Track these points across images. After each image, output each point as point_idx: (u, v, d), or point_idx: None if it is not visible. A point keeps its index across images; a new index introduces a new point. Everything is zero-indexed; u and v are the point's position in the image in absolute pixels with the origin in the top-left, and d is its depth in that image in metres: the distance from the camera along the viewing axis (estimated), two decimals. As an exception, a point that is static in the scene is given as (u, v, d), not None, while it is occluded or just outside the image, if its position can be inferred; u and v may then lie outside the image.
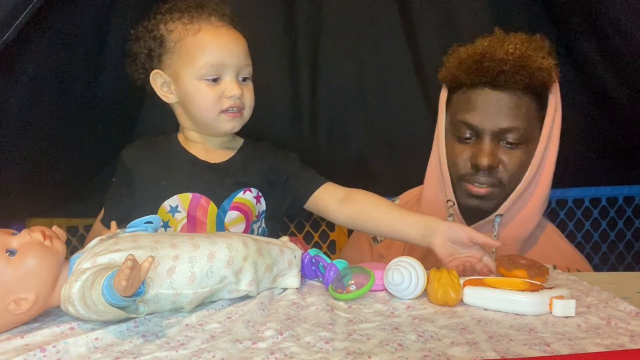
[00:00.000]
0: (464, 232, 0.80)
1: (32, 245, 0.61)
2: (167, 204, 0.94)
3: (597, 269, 1.47)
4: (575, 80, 1.32)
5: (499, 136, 0.93)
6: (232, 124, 0.96)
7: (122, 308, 0.57)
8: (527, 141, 0.95)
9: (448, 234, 0.81)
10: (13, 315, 0.60)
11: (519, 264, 0.75)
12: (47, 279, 0.62)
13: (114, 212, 0.97)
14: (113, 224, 0.78)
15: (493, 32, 0.99)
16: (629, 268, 1.47)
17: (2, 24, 0.81)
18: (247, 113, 0.98)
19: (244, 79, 0.97)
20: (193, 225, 0.96)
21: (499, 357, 0.52)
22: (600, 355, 0.52)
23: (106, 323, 0.61)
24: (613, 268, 1.48)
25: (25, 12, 0.83)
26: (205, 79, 0.93)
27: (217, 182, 0.96)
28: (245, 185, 0.97)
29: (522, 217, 0.98)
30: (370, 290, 0.75)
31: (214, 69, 0.92)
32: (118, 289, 0.54)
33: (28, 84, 1.05)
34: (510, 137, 0.93)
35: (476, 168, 0.94)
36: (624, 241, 1.48)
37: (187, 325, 0.63)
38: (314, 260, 0.79)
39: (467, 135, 0.96)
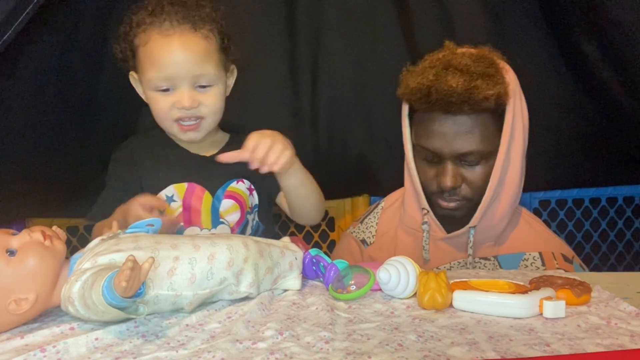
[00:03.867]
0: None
1: (32, 245, 0.61)
2: (163, 193, 0.97)
3: (597, 269, 1.47)
4: (575, 81, 1.32)
5: (459, 158, 0.95)
6: (189, 136, 0.97)
7: (121, 309, 0.57)
8: (488, 157, 0.96)
9: None
10: (13, 316, 0.60)
11: (557, 284, 0.71)
12: (47, 279, 0.62)
13: (110, 208, 0.94)
14: (114, 223, 0.78)
15: (443, 45, 1.00)
16: (629, 268, 1.47)
17: (3, 24, 0.81)
18: (210, 120, 0.98)
19: (203, 86, 0.95)
20: (188, 213, 0.97)
21: (499, 357, 0.52)
22: (600, 355, 0.52)
23: (106, 323, 0.61)
24: (613, 268, 1.48)
25: (26, 12, 0.83)
26: (156, 90, 0.93)
27: (210, 172, 0.99)
28: (237, 175, 1.00)
29: (494, 220, 1.00)
30: (372, 290, 0.75)
31: (164, 81, 0.92)
32: (118, 289, 0.54)
33: (28, 84, 1.05)
34: (470, 159, 0.95)
35: (441, 188, 0.97)
36: (624, 241, 1.48)
37: (187, 325, 0.63)
38: (314, 260, 0.79)
39: (430, 157, 0.98)
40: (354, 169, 1.47)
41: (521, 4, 1.29)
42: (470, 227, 0.99)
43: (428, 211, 1.02)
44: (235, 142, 1.03)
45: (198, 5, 0.95)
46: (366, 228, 1.17)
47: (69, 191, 1.31)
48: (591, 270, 1.37)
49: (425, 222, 1.02)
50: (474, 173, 0.96)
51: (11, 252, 0.61)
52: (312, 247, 1.49)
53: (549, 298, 0.65)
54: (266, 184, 1.03)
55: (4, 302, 0.59)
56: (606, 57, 1.18)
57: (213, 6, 0.97)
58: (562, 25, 1.27)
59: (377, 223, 1.15)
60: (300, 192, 0.97)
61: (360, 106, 1.41)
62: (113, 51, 1.00)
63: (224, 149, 1.02)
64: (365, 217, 1.19)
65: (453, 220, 1.01)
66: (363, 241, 1.15)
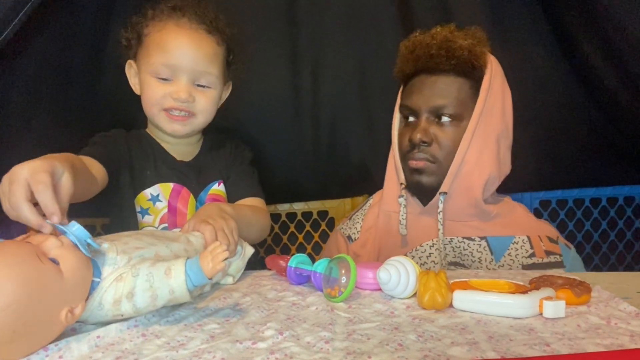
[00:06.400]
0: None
1: (72, 251, 0.58)
2: (149, 192, 0.98)
3: (597, 269, 1.47)
4: (575, 80, 1.32)
5: (433, 113, 1.01)
6: (173, 126, 0.97)
7: (192, 291, 0.61)
8: (461, 119, 1.00)
9: None
10: (63, 327, 0.57)
11: (557, 284, 0.71)
12: (87, 285, 0.59)
13: (103, 152, 0.93)
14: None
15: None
16: (629, 268, 1.47)
17: (2, 22, 0.81)
18: (200, 119, 0.99)
19: (202, 86, 0.97)
20: (174, 214, 0.98)
21: (499, 357, 0.52)
22: (600, 355, 0.52)
23: (107, 322, 0.61)
24: (613, 268, 1.48)
25: (24, 11, 0.83)
26: (156, 77, 0.94)
27: (193, 177, 1.02)
28: (217, 178, 1.04)
29: (467, 196, 1.02)
30: (370, 290, 0.75)
31: (166, 68, 0.93)
32: (216, 269, 0.58)
33: (28, 83, 1.05)
34: (442, 113, 1.00)
35: (412, 144, 1.01)
36: (624, 241, 1.48)
37: (185, 325, 0.63)
38: (297, 272, 0.79)
39: (410, 118, 1.05)
40: (354, 169, 1.47)
41: (521, 3, 1.30)
42: (440, 193, 1.01)
43: (405, 185, 1.05)
44: (211, 143, 1.08)
45: (216, 17, 0.99)
46: (352, 224, 1.18)
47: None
48: (591, 270, 1.37)
49: (402, 196, 1.05)
50: (444, 132, 1.00)
51: (54, 260, 0.56)
52: (312, 246, 1.50)
53: (549, 298, 0.65)
54: (232, 191, 1.06)
55: (61, 313, 0.55)
56: (606, 57, 1.18)
57: (228, 23, 1.02)
58: (562, 24, 1.27)
59: (362, 219, 1.17)
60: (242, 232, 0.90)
61: (361, 106, 1.41)
62: (117, 37, 1.02)
63: (199, 157, 1.06)
64: (354, 213, 1.21)
65: (426, 192, 1.03)
66: (349, 237, 1.16)
